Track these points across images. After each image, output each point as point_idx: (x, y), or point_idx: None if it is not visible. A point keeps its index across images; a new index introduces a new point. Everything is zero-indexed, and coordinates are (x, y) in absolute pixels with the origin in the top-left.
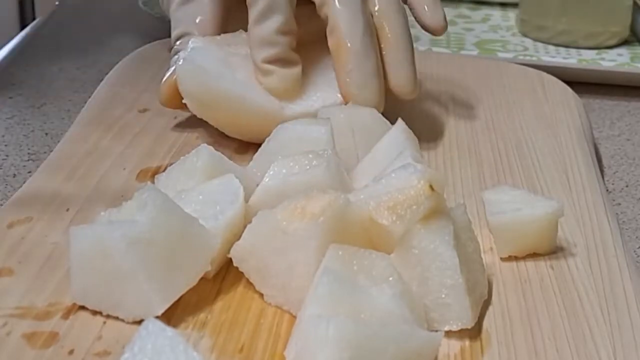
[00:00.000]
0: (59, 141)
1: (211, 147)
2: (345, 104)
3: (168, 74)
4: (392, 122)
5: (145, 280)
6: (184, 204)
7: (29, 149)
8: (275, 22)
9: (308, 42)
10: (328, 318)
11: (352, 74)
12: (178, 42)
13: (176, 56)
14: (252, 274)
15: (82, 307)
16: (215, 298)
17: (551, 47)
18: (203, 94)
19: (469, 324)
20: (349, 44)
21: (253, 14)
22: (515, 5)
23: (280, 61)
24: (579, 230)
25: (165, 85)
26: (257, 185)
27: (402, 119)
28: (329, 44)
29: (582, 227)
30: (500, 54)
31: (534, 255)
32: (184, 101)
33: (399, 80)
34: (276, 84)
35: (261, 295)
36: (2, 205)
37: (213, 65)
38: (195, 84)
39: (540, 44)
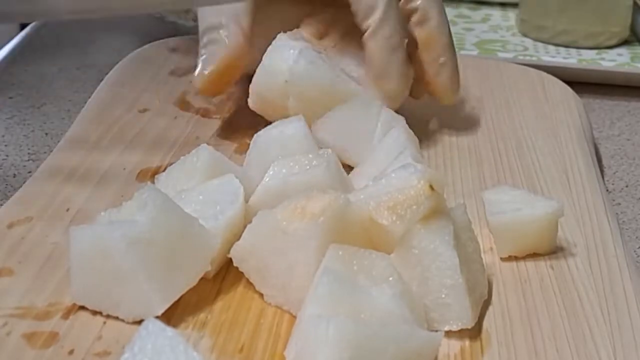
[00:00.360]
0: (59, 141)
1: (211, 147)
2: (430, 93)
3: (200, 66)
4: None
5: (145, 280)
6: (184, 204)
7: (29, 149)
8: (395, 26)
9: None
10: (328, 318)
11: (446, 66)
12: (206, 37)
13: (206, 49)
14: (252, 274)
15: (82, 307)
16: (215, 298)
17: (551, 47)
18: (317, 94)
19: (469, 324)
20: (441, 36)
21: (373, 20)
22: (515, 5)
23: (403, 65)
24: (579, 230)
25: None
26: (257, 185)
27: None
28: (419, 35)
29: (582, 227)
30: (500, 54)
31: (534, 255)
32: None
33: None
34: (397, 86)
35: (261, 295)
36: (2, 205)
37: (321, 65)
38: (311, 84)
39: (540, 44)
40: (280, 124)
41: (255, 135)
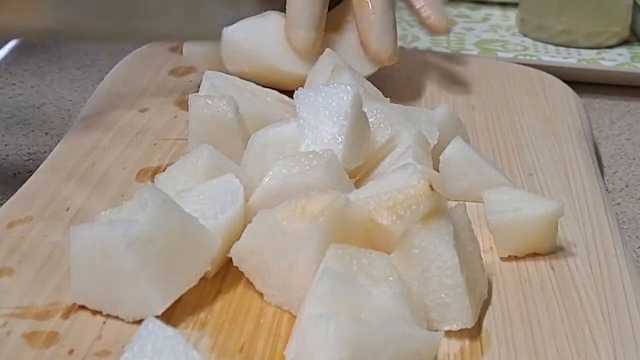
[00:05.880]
0: (59, 141)
1: (211, 147)
2: (364, 53)
3: None
4: None
5: (145, 280)
6: (184, 204)
7: (29, 149)
8: None
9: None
10: (328, 317)
11: (374, 26)
12: None
13: None
14: (252, 273)
15: (82, 307)
16: (215, 298)
17: (551, 47)
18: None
19: (469, 323)
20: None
21: None
22: (515, 5)
23: (316, 17)
24: (579, 230)
25: None
26: (257, 185)
27: None
28: None
29: (582, 227)
30: (500, 54)
31: (534, 255)
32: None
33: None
34: (306, 35)
35: (261, 295)
36: (2, 205)
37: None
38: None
39: (540, 44)
40: (276, 124)
41: (252, 135)
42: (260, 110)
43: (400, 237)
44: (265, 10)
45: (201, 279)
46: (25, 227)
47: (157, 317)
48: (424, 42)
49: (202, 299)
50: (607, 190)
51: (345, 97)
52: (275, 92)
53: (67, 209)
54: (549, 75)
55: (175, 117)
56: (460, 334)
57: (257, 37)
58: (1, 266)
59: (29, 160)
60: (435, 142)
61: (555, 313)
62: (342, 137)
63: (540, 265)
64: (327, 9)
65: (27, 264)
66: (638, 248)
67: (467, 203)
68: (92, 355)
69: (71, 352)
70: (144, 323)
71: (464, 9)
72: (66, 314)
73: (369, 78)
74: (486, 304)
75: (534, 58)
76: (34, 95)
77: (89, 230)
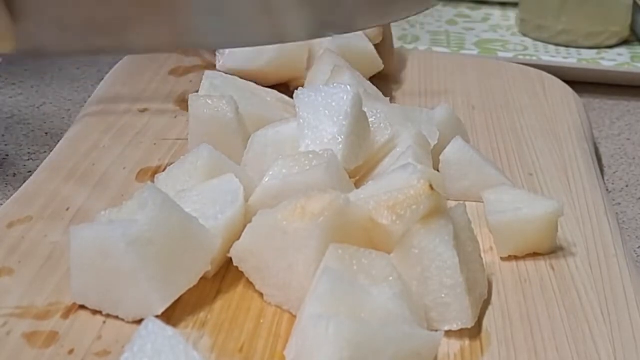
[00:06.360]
0: (59, 141)
1: (211, 147)
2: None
3: None
4: None
5: (145, 279)
6: (184, 204)
7: (29, 149)
8: None
9: None
10: (328, 317)
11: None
12: None
13: None
14: (252, 273)
15: (82, 307)
16: (215, 298)
17: (551, 47)
18: None
19: (469, 323)
20: None
21: None
22: (515, 5)
23: None
24: (579, 230)
25: None
26: (256, 185)
27: None
28: None
29: (582, 227)
30: (500, 54)
31: (534, 255)
32: None
33: None
34: None
35: (261, 295)
36: (2, 205)
37: None
38: None
39: (540, 44)
40: (276, 124)
41: (252, 135)
42: (260, 110)
43: (400, 237)
44: None
45: (201, 279)
46: (25, 227)
47: (157, 317)
48: (424, 42)
49: (202, 299)
50: (607, 190)
51: (345, 97)
52: (275, 92)
53: (67, 209)
54: (549, 75)
55: (175, 117)
56: (460, 334)
57: None
58: (1, 266)
59: (29, 160)
60: (435, 142)
61: (555, 313)
62: (342, 137)
63: (540, 265)
64: None
65: (27, 264)
66: (638, 248)
67: (467, 203)
68: (92, 355)
69: (71, 352)
70: (144, 323)
71: (464, 9)
72: (66, 314)
73: (370, 78)
74: (486, 304)
75: (534, 58)
76: (34, 95)
77: (89, 230)
